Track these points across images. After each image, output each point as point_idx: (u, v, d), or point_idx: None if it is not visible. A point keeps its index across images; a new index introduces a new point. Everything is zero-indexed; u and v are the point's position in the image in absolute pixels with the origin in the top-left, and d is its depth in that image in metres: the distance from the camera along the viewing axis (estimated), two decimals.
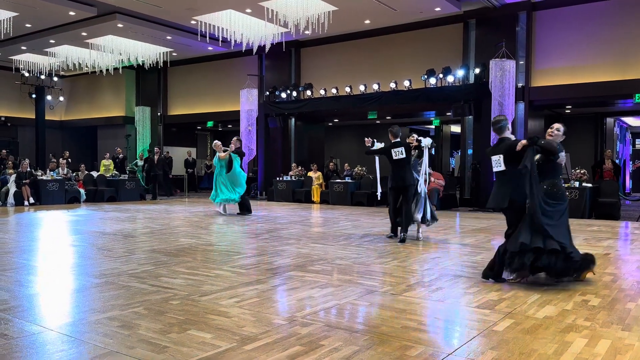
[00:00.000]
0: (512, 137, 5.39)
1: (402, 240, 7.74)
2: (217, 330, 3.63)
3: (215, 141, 12.40)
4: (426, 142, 7.92)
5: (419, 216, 7.90)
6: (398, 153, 7.85)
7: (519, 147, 4.99)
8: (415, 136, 8.10)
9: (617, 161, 17.27)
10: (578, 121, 17.77)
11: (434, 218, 8.08)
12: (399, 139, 7.98)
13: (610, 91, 12.88)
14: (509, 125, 5.43)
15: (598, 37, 12.91)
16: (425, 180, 8.14)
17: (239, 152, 11.97)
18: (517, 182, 5.09)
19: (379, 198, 9.16)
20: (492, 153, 5.37)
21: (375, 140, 8.48)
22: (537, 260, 4.90)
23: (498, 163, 5.26)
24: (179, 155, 22.02)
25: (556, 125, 5.30)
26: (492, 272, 5.22)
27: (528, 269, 4.97)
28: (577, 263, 5.02)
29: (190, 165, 21.80)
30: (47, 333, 3.58)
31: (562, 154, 5.10)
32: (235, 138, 12.17)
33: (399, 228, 8.00)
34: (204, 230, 9.42)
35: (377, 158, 8.93)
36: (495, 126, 5.41)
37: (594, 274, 5.33)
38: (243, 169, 12.13)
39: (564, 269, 4.97)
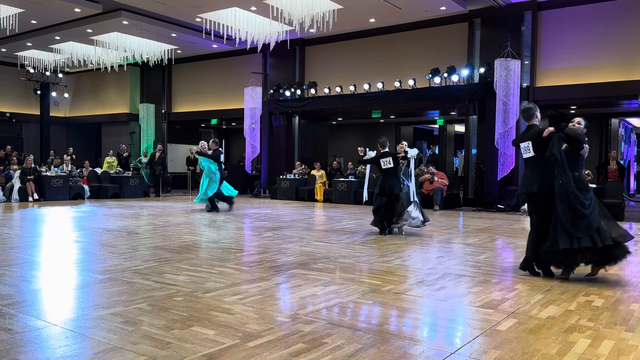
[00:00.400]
0: (540, 126, 5.52)
1: (390, 232, 8.48)
2: (220, 327, 3.64)
3: (201, 142, 12.69)
4: (412, 152, 8.47)
5: (417, 214, 8.43)
6: (386, 163, 8.44)
7: (545, 133, 5.18)
8: (405, 144, 8.74)
9: (621, 162, 17.22)
10: None
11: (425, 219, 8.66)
12: (387, 149, 8.58)
13: (615, 92, 12.82)
14: (538, 113, 5.54)
15: (603, 38, 12.86)
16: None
17: (205, 154, 12.11)
18: (545, 170, 5.29)
19: (363, 202, 10.04)
20: (521, 140, 5.53)
21: (367, 149, 9.02)
22: (575, 262, 5.14)
23: (527, 149, 5.41)
24: (183, 153, 22.04)
25: (577, 119, 5.42)
26: (528, 264, 5.46)
27: (569, 266, 5.20)
28: (615, 249, 5.12)
29: (191, 163, 21.83)
30: (50, 328, 3.59)
31: (586, 146, 5.23)
32: (211, 140, 12.44)
33: (388, 227, 8.62)
34: (207, 228, 9.44)
35: (368, 166, 9.75)
36: (525, 113, 5.56)
37: (606, 270, 5.39)
38: (220, 170, 12.12)
39: (606, 258, 5.14)
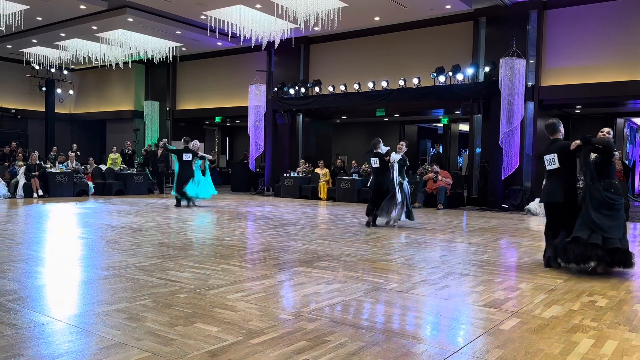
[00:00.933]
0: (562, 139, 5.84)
1: (371, 223, 9.36)
2: (223, 323, 3.65)
3: (194, 140, 13.25)
4: (395, 157, 9.22)
5: (394, 215, 9.22)
6: (374, 162, 9.43)
7: (572, 146, 5.46)
8: (404, 143, 9.51)
9: (626, 162, 17.16)
10: (588, 121, 17.65)
11: (410, 218, 9.39)
12: (378, 150, 9.40)
13: (620, 91, 12.76)
14: (561, 128, 5.86)
15: (609, 37, 12.79)
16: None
17: (167, 148, 13.61)
18: (568, 180, 5.63)
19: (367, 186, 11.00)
20: (545, 152, 5.85)
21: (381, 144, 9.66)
22: (593, 257, 5.34)
23: (552, 161, 5.72)
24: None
25: (606, 129, 5.78)
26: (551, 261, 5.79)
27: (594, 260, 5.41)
28: (630, 254, 5.44)
29: None
30: (55, 324, 3.61)
31: (616, 153, 5.58)
32: (182, 139, 13.18)
33: (376, 220, 9.51)
34: (211, 225, 9.45)
35: None
36: (549, 128, 5.89)
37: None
38: (183, 167, 12.64)
39: (625, 260, 5.40)
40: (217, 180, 22.16)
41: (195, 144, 12.91)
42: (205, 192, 12.96)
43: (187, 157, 12.45)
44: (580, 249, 5.32)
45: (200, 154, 12.96)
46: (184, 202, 12.70)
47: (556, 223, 5.75)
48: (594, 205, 5.36)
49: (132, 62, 19.96)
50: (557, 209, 5.72)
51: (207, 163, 13.31)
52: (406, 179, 9.40)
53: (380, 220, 9.54)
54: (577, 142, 5.43)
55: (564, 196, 5.59)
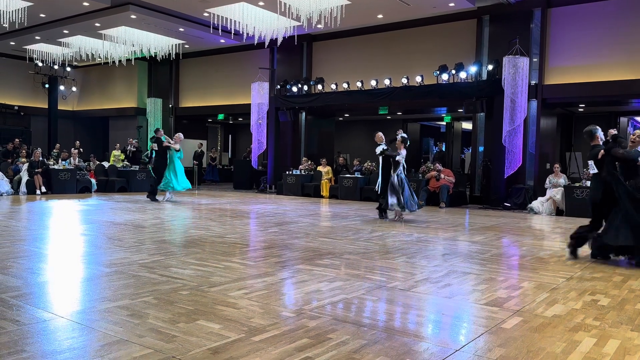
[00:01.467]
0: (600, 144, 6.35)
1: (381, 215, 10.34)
2: (225, 321, 3.65)
3: (178, 133, 13.68)
4: (377, 150, 10.02)
5: (392, 200, 9.66)
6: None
7: (599, 155, 6.14)
8: (400, 137, 9.95)
9: None
10: (591, 120, 17.54)
11: (401, 206, 9.71)
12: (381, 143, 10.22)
13: (624, 90, 12.72)
14: (598, 134, 6.36)
15: (613, 35, 12.75)
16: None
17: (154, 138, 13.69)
18: (605, 184, 6.16)
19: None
20: (588, 158, 6.62)
21: (403, 131, 10.49)
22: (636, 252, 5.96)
23: (592, 167, 6.51)
24: (190, 147, 22.05)
25: (638, 132, 6.22)
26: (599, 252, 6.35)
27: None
28: None
29: (197, 157, 21.85)
30: (57, 320, 3.62)
31: None
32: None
33: (385, 212, 10.37)
34: (213, 222, 9.46)
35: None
36: (586, 135, 6.45)
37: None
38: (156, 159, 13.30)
39: None
40: (216, 178, 22.25)
41: (179, 136, 13.22)
42: (180, 183, 13.05)
43: (150, 146, 12.83)
44: (631, 251, 5.91)
45: (165, 143, 12.94)
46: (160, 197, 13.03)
47: (597, 218, 6.39)
48: (631, 204, 5.84)
49: (135, 59, 19.95)
50: (595, 206, 6.36)
51: (176, 154, 13.20)
52: (398, 170, 9.64)
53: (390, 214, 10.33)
54: (602, 152, 6.09)
55: (601, 196, 6.21)
